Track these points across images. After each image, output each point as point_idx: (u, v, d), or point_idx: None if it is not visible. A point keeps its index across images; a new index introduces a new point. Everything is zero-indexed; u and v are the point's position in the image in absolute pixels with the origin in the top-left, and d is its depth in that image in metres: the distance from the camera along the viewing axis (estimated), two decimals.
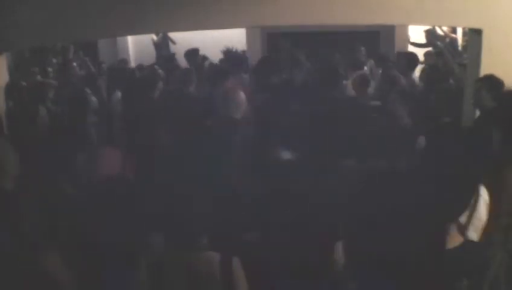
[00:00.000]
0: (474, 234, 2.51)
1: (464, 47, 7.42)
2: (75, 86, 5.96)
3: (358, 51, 7.11)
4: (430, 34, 7.89)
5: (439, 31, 7.77)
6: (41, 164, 3.45)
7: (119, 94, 5.61)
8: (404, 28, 8.60)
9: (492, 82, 4.13)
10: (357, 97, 5.12)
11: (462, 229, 2.46)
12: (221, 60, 7.05)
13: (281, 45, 7.76)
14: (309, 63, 6.79)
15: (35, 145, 4.02)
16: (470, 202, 2.66)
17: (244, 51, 7.94)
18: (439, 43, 7.41)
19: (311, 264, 2.50)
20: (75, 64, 7.01)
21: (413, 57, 6.39)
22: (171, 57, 7.48)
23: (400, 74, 5.82)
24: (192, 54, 6.93)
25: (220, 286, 2.43)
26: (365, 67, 6.65)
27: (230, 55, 7.00)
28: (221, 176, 3.38)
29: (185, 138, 4.00)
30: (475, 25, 4.65)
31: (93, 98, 5.30)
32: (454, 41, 7.71)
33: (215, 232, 2.62)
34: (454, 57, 7.22)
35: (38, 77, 6.12)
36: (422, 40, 8.22)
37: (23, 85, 5.40)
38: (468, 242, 2.36)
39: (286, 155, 3.51)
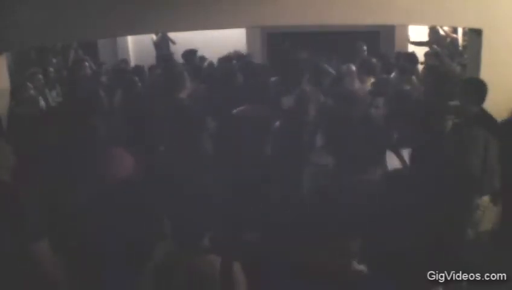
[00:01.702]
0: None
1: (464, 47, 7.42)
2: (86, 86, 5.94)
3: (360, 49, 7.08)
4: (433, 32, 7.90)
5: (440, 31, 7.77)
6: (47, 163, 3.46)
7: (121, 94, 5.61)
8: (404, 28, 8.60)
9: (476, 85, 4.11)
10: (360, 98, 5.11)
11: (462, 229, 2.46)
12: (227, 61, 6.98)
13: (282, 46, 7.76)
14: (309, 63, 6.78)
15: (40, 144, 4.04)
16: (470, 202, 2.67)
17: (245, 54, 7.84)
18: (435, 46, 7.42)
19: (312, 264, 2.50)
20: (87, 64, 7.01)
21: (412, 57, 6.40)
22: (169, 57, 7.45)
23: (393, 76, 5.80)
24: (190, 54, 6.91)
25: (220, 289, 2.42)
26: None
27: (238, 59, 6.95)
28: (224, 176, 3.38)
29: (187, 139, 4.00)
30: (475, 25, 4.65)
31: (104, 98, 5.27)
32: (455, 41, 7.72)
33: (217, 232, 2.62)
34: (453, 58, 7.24)
35: (40, 76, 6.13)
36: (424, 38, 8.22)
37: (26, 85, 5.40)
38: (468, 242, 2.37)
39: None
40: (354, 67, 5.60)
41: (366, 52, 7.07)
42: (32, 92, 5.31)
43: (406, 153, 3.62)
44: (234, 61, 6.82)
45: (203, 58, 7.16)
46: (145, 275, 2.56)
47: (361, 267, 2.31)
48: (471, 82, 4.26)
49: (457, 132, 3.76)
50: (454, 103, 4.08)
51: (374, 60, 6.24)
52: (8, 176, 2.87)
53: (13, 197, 2.64)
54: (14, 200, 2.63)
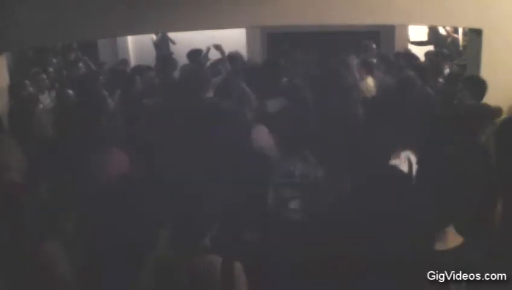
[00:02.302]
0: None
1: (464, 47, 7.43)
2: (84, 86, 5.94)
3: (370, 48, 7.09)
4: (433, 32, 7.91)
5: (441, 31, 7.78)
6: (49, 163, 3.46)
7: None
8: (404, 28, 8.60)
9: (475, 82, 4.20)
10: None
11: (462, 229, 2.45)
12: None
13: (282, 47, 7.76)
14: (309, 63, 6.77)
15: (42, 145, 4.04)
16: (470, 202, 2.66)
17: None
18: (432, 47, 7.43)
19: (312, 264, 2.50)
20: (81, 64, 7.02)
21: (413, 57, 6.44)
22: (169, 57, 7.46)
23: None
24: (195, 54, 6.93)
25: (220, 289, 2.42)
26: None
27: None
28: (225, 177, 3.38)
29: (189, 138, 3.99)
30: (475, 25, 4.65)
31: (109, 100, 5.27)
32: (455, 41, 7.72)
33: (218, 232, 2.62)
34: (453, 58, 7.24)
35: (44, 76, 6.14)
36: (424, 38, 8.23)
37: (26, 84, 5.40)
38: (468, 242, 2.36)
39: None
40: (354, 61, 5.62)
41: (376, 50, 7.08)
42: (30, 90, 5.30)
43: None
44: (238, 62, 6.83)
45: (205, 58, 7.17)
46: (146, 275, 2.56)
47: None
48: (471, 79, 4.32)
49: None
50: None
51: (374, 59, 6.27)
52: (18, 177, 2.84)
53: (22, 198, 2.63)
54: (23, 201, 2.61)
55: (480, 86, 4.11)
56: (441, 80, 5.63)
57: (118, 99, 5.60)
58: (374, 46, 7.15)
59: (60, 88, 6.24)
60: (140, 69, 6.27)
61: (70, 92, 5.50)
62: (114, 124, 4.60)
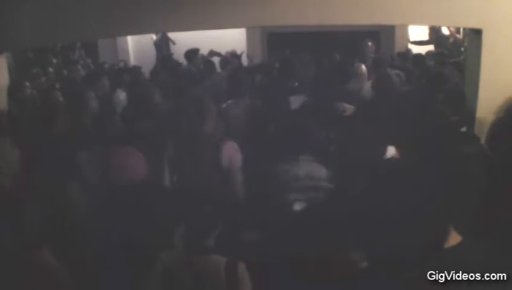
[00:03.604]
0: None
1: (464, 47, 7.43)
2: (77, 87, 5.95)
3: (366, 46, 7.10)
4: (434, 32, 7.92)
5: (444, 31, 7.79)
6: (49, 163, 3.45)
7: (122, 94, 5.65)
8: (404, 28, 8.60)
9: (455, 95, 4.33)
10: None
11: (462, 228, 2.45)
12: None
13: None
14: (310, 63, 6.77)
15: (38, 145, 4.03)
16: (470, 201, 2.66)
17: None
18: (432, 47, 7.44)
19: (312, 264, 2.50)
20: (79, 66, 7.05)
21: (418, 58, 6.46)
22: (169, 57, 7.49)
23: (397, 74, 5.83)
24: (192, 53, 6.95)
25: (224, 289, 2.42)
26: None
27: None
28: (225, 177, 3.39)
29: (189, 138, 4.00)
30: (475, 25, 4.64)
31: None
32: (457, 41, 7.72)
33: (221, 233, 2.62)
34: (454, 58, 7.25)
35: (44, 79, 6.15)
36: (424, 38, 8.24)
37: (26, 85, 5.40)
38: (468, 241, 2.36)
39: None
40: (364, 67, 5.63)
41: (371, 50, 7.10)
42: (29, 91, 5.30)
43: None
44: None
45: (204, 58, 7.19)
46: (151, 275, 2.56)
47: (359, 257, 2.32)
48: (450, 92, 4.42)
49: None
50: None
51: (384, 58, 6.28)
52: (11, 181, 2.83)
53: (14, 203, 2.62)
54: (16, 206, 2.60)
55: (461, 100, 4.21)
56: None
57: (119, 98, 5.62)
58: (370, 43, 7.17)
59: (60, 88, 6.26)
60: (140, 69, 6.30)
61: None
62: (115, 124, 4.59)
